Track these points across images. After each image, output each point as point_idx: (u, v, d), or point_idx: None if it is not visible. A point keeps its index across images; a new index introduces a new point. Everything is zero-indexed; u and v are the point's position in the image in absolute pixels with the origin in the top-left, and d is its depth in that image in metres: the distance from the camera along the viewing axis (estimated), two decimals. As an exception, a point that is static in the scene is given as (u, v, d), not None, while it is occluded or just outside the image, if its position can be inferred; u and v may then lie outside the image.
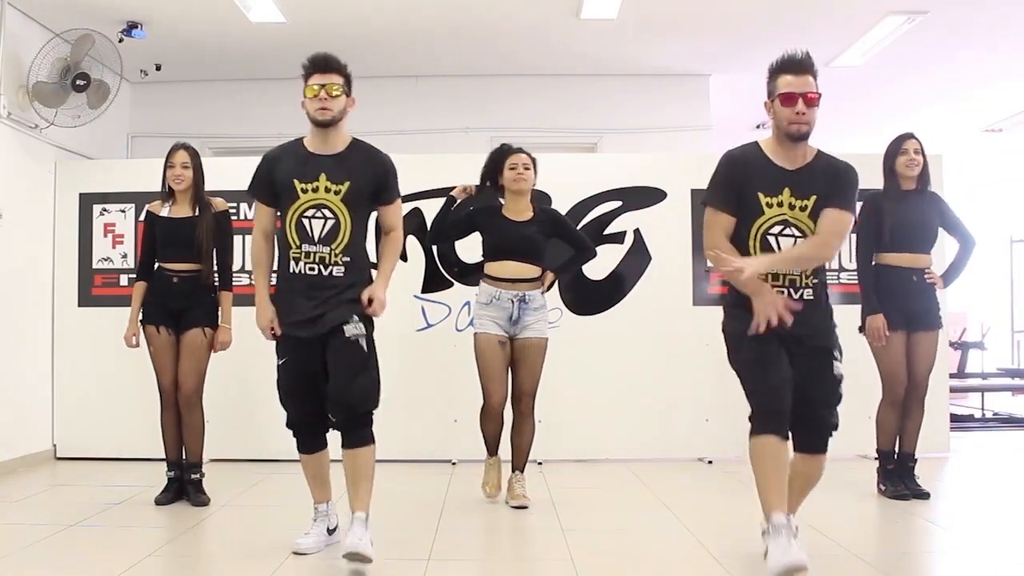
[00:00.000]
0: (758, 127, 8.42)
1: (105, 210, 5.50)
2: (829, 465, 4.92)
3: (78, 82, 5.19)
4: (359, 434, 3.13)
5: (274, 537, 3.46)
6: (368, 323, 3.15)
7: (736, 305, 2.91)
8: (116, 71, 5.38)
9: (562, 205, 5.37)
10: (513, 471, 4.18)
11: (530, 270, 4.09)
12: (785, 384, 2.84)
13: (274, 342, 3.18)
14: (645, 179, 5.43)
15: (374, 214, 3.27)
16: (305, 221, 3.05)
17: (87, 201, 5.52)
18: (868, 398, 5.13)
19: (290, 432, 3.25)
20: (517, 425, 4.18)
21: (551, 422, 5.18)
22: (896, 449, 4.28)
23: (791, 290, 2.82)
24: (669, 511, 3.89)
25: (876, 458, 4.36)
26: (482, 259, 4.19)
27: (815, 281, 2.86)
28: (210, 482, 4.24)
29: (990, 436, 6.69)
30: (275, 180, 3.11)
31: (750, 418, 2.89)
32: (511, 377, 4.14)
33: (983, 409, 8.12)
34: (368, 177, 3.11)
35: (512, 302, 4.04)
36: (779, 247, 2.82)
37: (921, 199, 4.21)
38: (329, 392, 3.09)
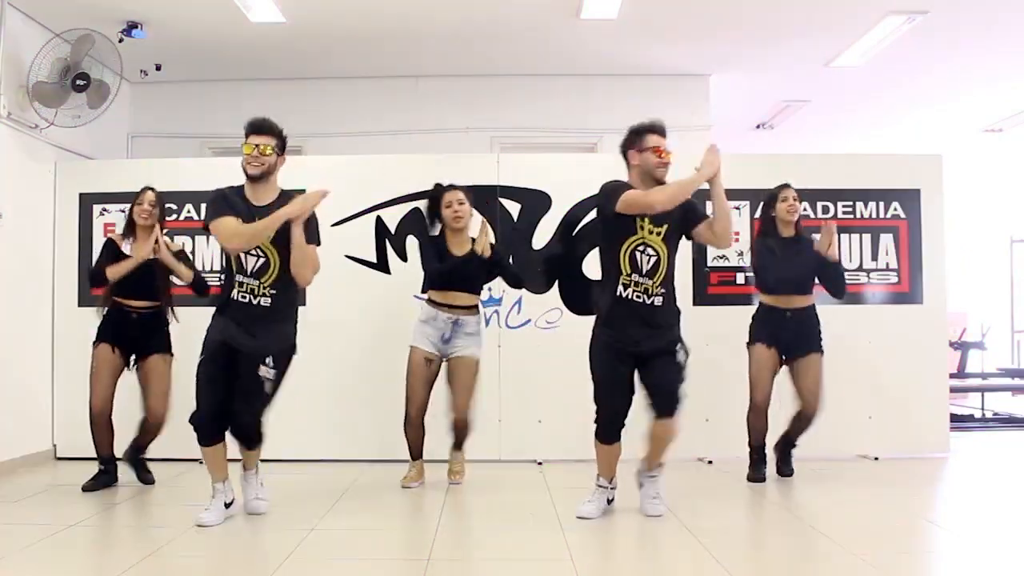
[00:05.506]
0: (758, 127, 8.42)
1: (105, 210, 5.50)
2: (829, 465, 4.96)
3: (78, 82, 5.19)
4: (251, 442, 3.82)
5: (273, 537, 3.46)
6: (280, 365, 3.63)
7: (599, 323, 3.80)
8: (116, 71, 5.38)
9: (562, 205, 5.39)
10: (454, 450, 4.60)
11: (468, 299, 4.46)
12: (625, 406, 3.78)
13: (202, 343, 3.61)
14: (645, 179, 5.42)
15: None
16: (243, 256, 3.56)
17: (87, 201, 5.52)
18: (869, 399, 5.15)
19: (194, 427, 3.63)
20: (455, 429, 4.53)
21: (551, 422, 5.19)
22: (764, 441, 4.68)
23: (645, 296, 3.64)
24: (669, 511, 3.89)
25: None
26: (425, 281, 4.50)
27: (663, 291, 3.67)
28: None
29: (990, 436, 6.69)
30: (227, 215, 3.55)
31: (596, 421, 3.82)
32: (450, 394, 4.48)
33: (983, 409, 8.12)
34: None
35: (447, 323, 4.40)
36: (640, 262, 3.66)
37: (799, 247, 4.62)
38: (234, 407, 3.62)
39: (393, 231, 5.42)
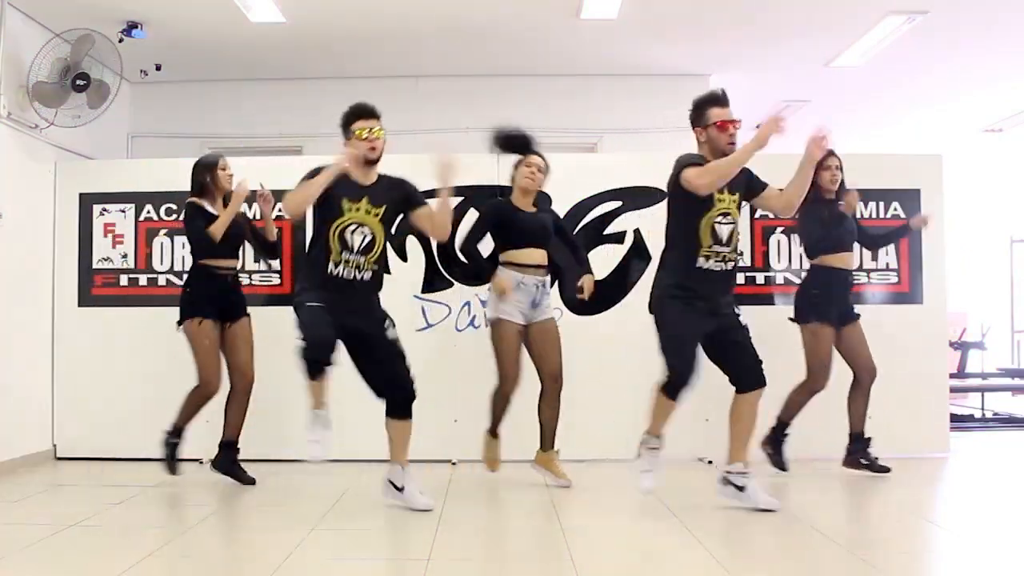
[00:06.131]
0: (758, 127, 8.39)
1: (105, 210, 5.50)
2: (829, 465, 4.94)
3: (78, 82, 5.18)
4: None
5: (273, 537, 3.46)
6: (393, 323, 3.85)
7: (672, 288, 3.72)
8: (116, 71, 5.38)
9: (562, 205, 5.37)
10: (549, 450, 4.47)
11: (544, 256, 4.42)
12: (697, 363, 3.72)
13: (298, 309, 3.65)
14: (645, 179, 5.42)
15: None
16: (347, 235, 3.68)
17: (87, 201, 5.51)
18: (874, 398, 5.11)
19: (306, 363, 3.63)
20: (548, 404, 4.41)
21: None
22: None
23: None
24: (669, 511, 3.89)
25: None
26: (498, 249, 4.41)
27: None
28: (211, 482, 4.25)
29: (990, 436, 6.69)
30: (331, 192, 3.66)
31: (669, 378, 3.82)
32: (538, 362, 4.40)
33: (983, 409, 8.12)
34: (396, 199, 3.81)
35: (536, 287, 4.33)
36: (719, 233, 3.64)
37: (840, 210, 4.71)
38: (382, 378, 3.80)
39: (393, 231, 5.40)
